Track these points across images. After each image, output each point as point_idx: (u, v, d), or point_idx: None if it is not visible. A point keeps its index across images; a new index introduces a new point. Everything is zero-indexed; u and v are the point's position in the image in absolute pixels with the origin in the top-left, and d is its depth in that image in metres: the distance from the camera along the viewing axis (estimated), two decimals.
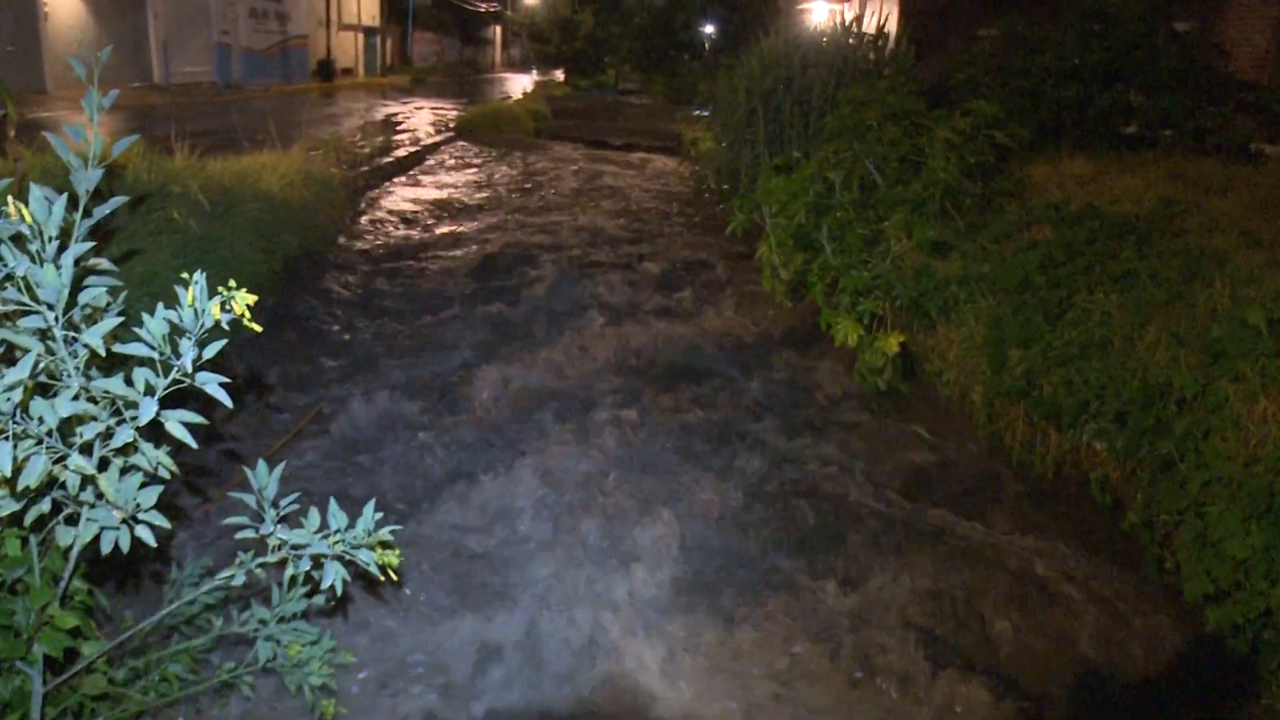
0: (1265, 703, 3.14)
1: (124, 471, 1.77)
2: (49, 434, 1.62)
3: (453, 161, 14.05)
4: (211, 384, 1.73)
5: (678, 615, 3.36)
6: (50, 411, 1.59)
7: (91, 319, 1.82)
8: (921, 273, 5.62)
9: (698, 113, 15.20)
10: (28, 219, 1.61)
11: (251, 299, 1.74)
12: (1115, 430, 4.10)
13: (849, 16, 10.96)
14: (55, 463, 1.66)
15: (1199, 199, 6.01)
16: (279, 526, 1.96)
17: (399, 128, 16.84)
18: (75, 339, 1.69)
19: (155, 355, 1.68)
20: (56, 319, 1.65)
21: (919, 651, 3.20)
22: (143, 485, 1.77)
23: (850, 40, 10.46)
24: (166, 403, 1.72)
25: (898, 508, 4.25)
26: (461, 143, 16.38)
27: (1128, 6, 9.10)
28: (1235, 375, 3.72)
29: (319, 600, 2.40)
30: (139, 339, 1.68)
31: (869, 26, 10.79)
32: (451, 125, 17.71)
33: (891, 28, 11.50)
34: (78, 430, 1.68)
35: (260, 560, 2.02)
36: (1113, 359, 4.28)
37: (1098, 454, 4.42)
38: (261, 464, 1.96)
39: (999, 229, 5.93)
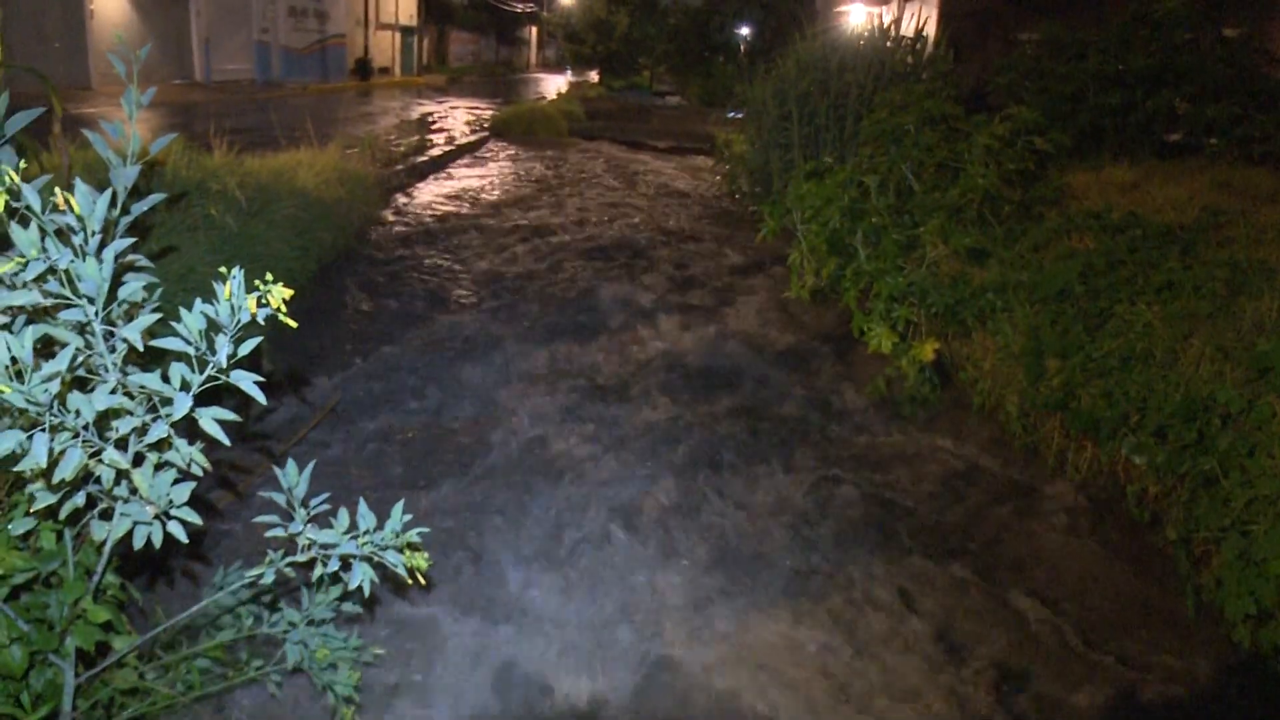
0: None
1: (158, 467, 1.78)
2: (85, 428, 1.63)
3: (486, 161, 14.11)
4: (246, 381, 1.73)
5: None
6: (87, 405, 1.60)
7: (129, 314, 1.84)
8: (958, 280, 5.54)
9: (732, 115, 15.15)
10: (75, 209, 1.63)
11: (288, 293, 1.74)
12: (1155, 445, 4.01)
13: (887, 19, 10.85)
14: (91, 457, 1.67)
15: (1246, 208, 5.87)
16: (308, 526, 1.96)
17: (434, 127, 16.96)
18: (113, 334, 1.71)
19: (191, 351, 1.69)
20: (96, 313, 1.66)
21: None
22: (176, 481, 1.77)
23: (888, 43, 10.36)
24: (201, 399, 1.73)
25: (926, 518, 4.20)
26: (495, 142, 16.45)
27: (1174, 12, 8.93)
28: None
29: (349, 608, 2.41)
30: (176, 334, 1.69)
31: (907, 29, 10.68)
32: (486, 125, 17.80)
33: (930, 31, 11.37)
34: (113, 425, 1.69)
35: (290, 560, 2.03)
36: (1154, 372, 4.19)
37: (1135, 468, 4.33)
38: (291, 463, 1.97)
39: (1038, 237, 5.84)
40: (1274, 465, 3.37)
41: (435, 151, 13.26)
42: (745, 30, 33.49)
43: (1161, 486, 4.16)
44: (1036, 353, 4.76)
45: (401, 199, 10.29)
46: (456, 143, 14.69)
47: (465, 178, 12.26)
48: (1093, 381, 4.39)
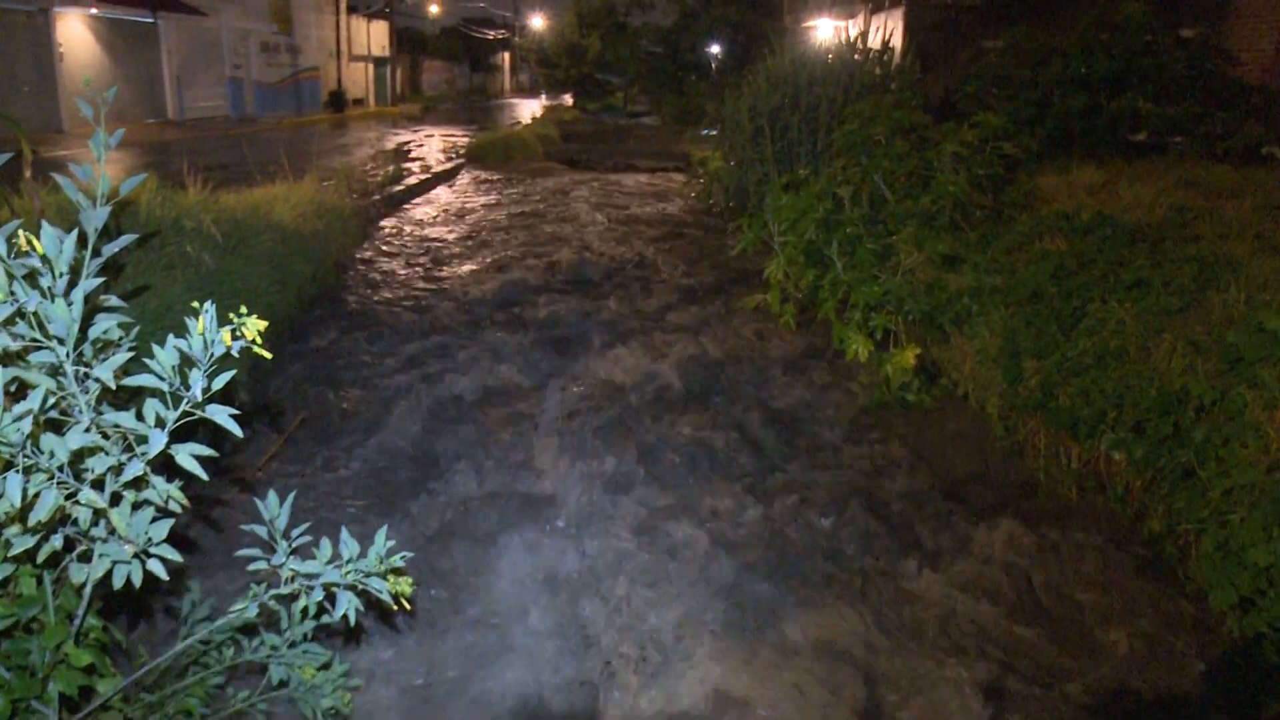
0: None
1: (136, 506, 1.78)
2: (60, 469, 1.63)
3: (463, 188, 14.16)
4: (221, 415, 1.74)
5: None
6: (60, 446, 1.60)
7: (103, 353, 1.84)
8: (933, 286, 5.60)
9: (706, 132, 15.27)
10: (39, 250, 1.63)
11: (262, 325, 1.75)
12: (1133, 440, 4.05)
13: (854, 32, 11.00)
14: (67, 498, 1.67)
15: (1211, 205, 5.97)
16: (291, 558, 1.96)
17: (410, 156, 17.00)
18: (86, 375, 1.71)
19: (165, 387, 1.69)
20: (67, 354, 1.67)
21: None
22: (154, 519, 1.77)
23: (856, 56, 10.50)
24: (177, 435, 1.73)
25: (917, 522, 4.22)
26: (472, 169, 16.51)
27: (1134, 15, 9.10)
28: (1253, 381, 3.68)
29: (326, 619, 2.40)
30: (150, 371, 1.69)
31: (874, 42, 10.83)
32: (462, 152, 17.87)
33: (897, 42, 11.54)
34: (89, 465, 1.69)
35: (273, 592, 2.03)
36: (1129, 368, 4.24)
37: (1116, 464, 4.37)
38: (272, 495, 1.97)
39: (1010, 240, 5.91)
40: (1248, 454, 3.41)
41: (412, 181, 13.30)
42: (716, 49, 33.82)
43: (1142, 481, 4.20)
44: (1013, 354, 4.81)
45: (380, 229, 10.30)
46: (433, 171, 14.75)
47: (443, 206, 12.30)
48: (1070, 380, 4.44)
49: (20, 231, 1.64)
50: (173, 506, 1.80)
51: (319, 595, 1.97)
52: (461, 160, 16.86)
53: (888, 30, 11.91)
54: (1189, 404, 3.84)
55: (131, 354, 1.77)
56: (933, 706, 3.06)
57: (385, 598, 1.97)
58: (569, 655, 3.24)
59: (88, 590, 1.92)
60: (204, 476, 1.75)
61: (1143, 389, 4.06)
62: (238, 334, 1.74)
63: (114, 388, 1.69)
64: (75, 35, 18.83)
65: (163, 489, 1.77)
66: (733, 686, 3.10)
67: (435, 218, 11.27)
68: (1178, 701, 3.17)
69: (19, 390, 1.73)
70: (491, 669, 3.15)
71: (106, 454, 1.68)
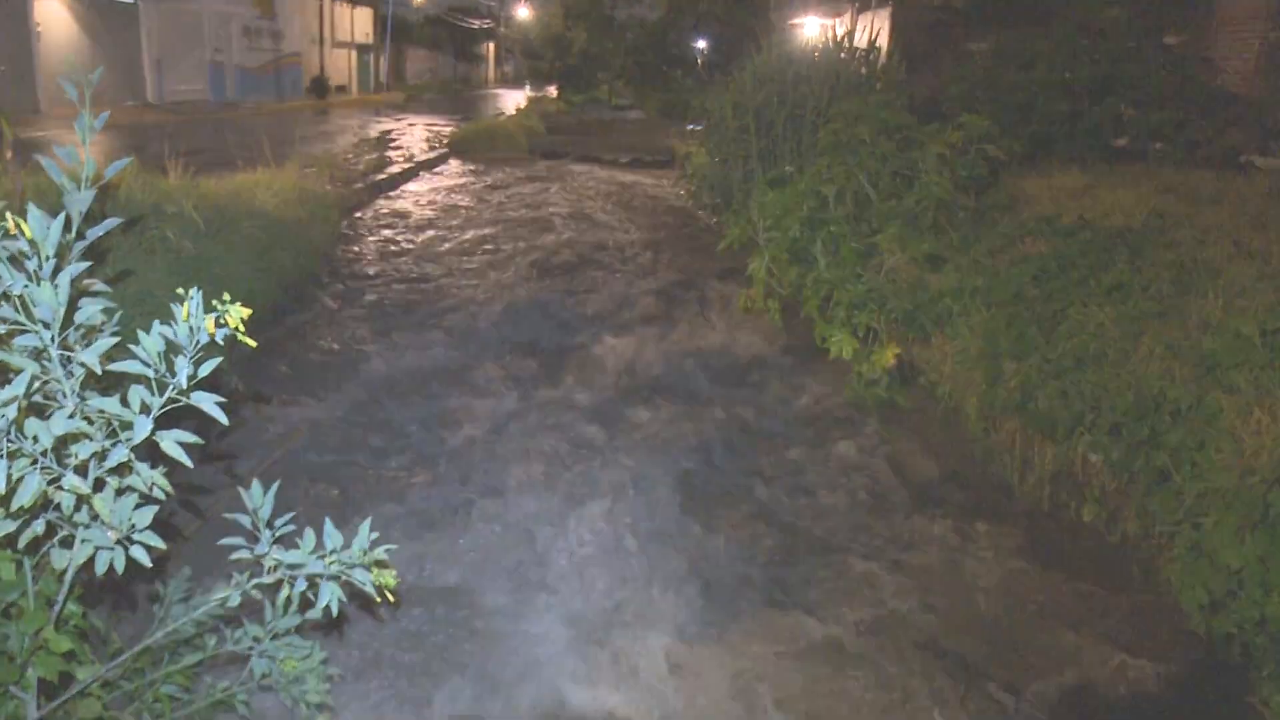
0: (1257, 709, 3.14)
1: (119, 492, 1.77)
2: (44, 454, 1.62)
3: (446, 178, 14.08)
4: (207, 402, 1.73)
5: None
6: (45, 431, 1.59)
7: (87, 339, 1.82)
8: (916, 286, 5.64)
9: (691, 127, 15.28)
10: (27, 233, 1.62)
11: (246, 312, 1.74)
12: (1110, 442, 4.10)
13: (841, 31, 11.01)
14: (50, 483, 1.66)
15: (1190, 211, 6.04)
16: (274, 547, 1.95)
17: (393, 145, 16.88)
18: (71, 359, 1.69)
19: (150, 373, 1.68)
20: (53, 338, 1.65)
21: None
22: (138, 506, 1.76)
23: (842, 55, 10.51)
24: (162, 422, 1.72)
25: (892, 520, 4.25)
26: (456, 159, 16.42)
27: (1118, 21, 9.18)
28: (1229, 387, 3.74)
29: (313, 615, 2.39)
30: (134, 358, 1.68)
31: (860, 41, 10.85)
32: (445, 142, 17.76)
33: (883, 42, 11.57)
34: (73, 450, 1.67)
35: (256, 581, 2.02)
36: (1107, 371, 4.29)
37: (1093, 466, 4.42)
38: (256, 484, 1.96)
39: (992, 242, 5.96)
40: (1223, 459, 3.47)
41: (394, 170, 13.21)
42: (702, 43, 33.80)
43: (1118, 483, 4.25)
44: (993, 355, 4.86)
45: (360, 218, 10.23)
46: (416, 160, 14.65)
47: (426, 195, 12.23)
48: (1048, 382, 4.49)
49: (8, 214, 1.62)
50: (157, 493, 1.79)
51: (302, 585, 1.96)
52: (445, 150, 16.76)
53: (874, 30, 11.93)
54: (1165, 408, 3.89)
55: (116, 339, 1.75)
56: None
57: (369, 589, 1.97)
58: None
59: (69, 576, 1.90)
60: (189, 463, 1.74)
61: (1120, 392, 4.11)
62: (221, 321, 1.73)
63: (99, 373, 1.67)
64: (54, 15, 18.54)
65: (147, 475, 1.76)
66: None
67: (417, 207, 11.21)
68: (1134, 699, 3.21)
69: (2, 375, 1.71)
70: None
71: (90, 439, 1.67)
